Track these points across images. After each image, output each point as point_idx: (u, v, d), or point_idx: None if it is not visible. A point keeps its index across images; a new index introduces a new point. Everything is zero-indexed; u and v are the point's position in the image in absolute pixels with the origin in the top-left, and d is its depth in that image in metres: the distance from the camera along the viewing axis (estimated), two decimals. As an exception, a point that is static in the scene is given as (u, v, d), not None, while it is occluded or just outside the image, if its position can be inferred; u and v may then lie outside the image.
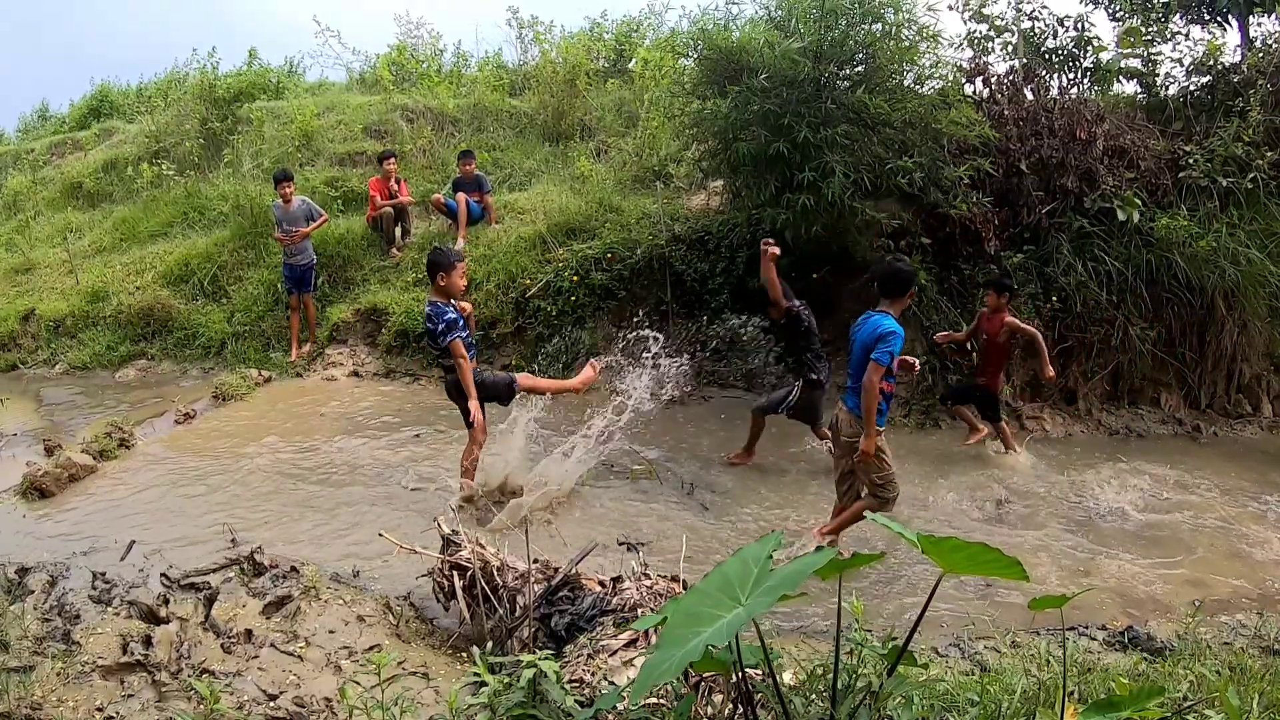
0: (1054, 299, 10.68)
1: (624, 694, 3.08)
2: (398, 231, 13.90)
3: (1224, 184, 10.98)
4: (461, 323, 7.60)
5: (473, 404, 7.62)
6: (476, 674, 3.21)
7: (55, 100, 25.27)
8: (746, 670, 2.67)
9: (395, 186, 13.88)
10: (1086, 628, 6.04)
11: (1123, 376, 11.05)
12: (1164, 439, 10.71)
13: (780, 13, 10.61)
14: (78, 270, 15.12)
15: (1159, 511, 8.49)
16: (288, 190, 12.51)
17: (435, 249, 7.87)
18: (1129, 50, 12.39)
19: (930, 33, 10.63)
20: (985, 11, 12.76)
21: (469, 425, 7.73)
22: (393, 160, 13.95)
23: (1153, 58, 12.52)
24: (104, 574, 6.24)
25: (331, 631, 5.38)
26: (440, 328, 7.40)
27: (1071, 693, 3.95)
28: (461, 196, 13.42)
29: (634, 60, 18.38)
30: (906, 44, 10.43)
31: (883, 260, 8.01)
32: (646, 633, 4.12)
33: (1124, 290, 10.77)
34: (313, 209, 12.79)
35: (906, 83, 10.76)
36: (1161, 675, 4.51)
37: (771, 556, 2.41)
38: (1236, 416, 11.24)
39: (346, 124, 17.68)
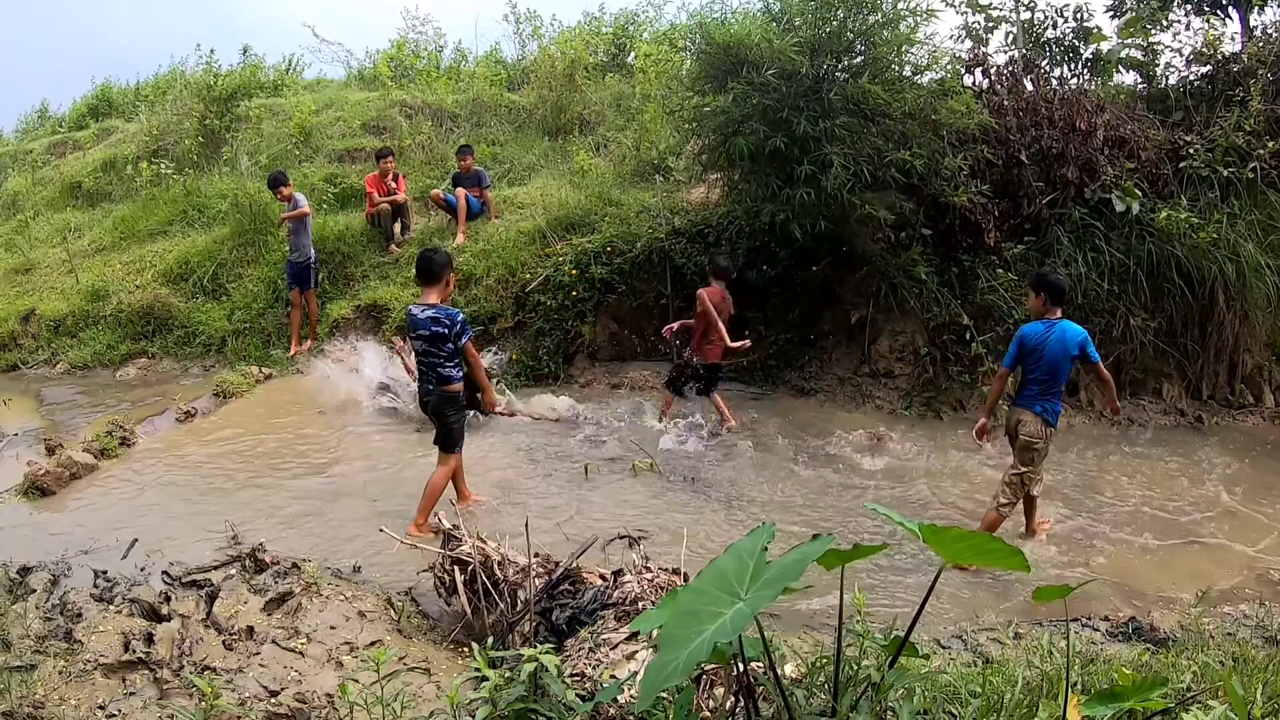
0: (1055, 290, 10.66)
1: (624, 687, 3.08)
2: (397, 228, 13.90)
3: (1225, 174, 10.96)
4: None
5: (490, 395, 7.61)
6: (478, 669, 3.21)
7: (55, 100, 25.24)
8: (749, 663, 2.66)
9: (393, 183, 13.87)
10: (1089, 619, 6.03)
11: (1124, 367, 11.03)
12: (1166, 429, 10.70)
13: (777, 5, 10.58)
14: (77, 269, 15.11)
15: (1160, 502, 8.48)
16: (283, 193, 12.78)
17: (434, 249, 7.58)
18: (1129, 40, 12.36)
19: (926, 11, 10.57)
20: (983, 2, 12.75)
21: (450, 445, 7.44)
22: (389, 159, 13.94)
23: (1153, 48, 12.50)
24: (105, 572, 6.23)
25: (333, 627, 5.37)
26: (455, 329, 7.10)
27: (1075, 684, 3.94)
28: (461, 192, 13.41)
29: (633, 55, 18.37)
30: (904, 30, 10.38)
31: (1040, 272, 8.21)
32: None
33: (1125, 281, 10.76)
34: (296, 204, 12.76)
35: (905, 74, 10.73)
36: (1165, 666, 4.50)
37: (766, 549, 2.40)
38: (1238, 407, 11.23)
39: (345, 120, 17.67)
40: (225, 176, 16.33)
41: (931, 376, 10.79)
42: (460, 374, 7.31)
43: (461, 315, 7.20)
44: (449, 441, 7.42)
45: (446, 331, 7.07)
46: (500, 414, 8.83)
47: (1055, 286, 7.24)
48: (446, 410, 7.33)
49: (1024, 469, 7.21)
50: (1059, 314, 7.19)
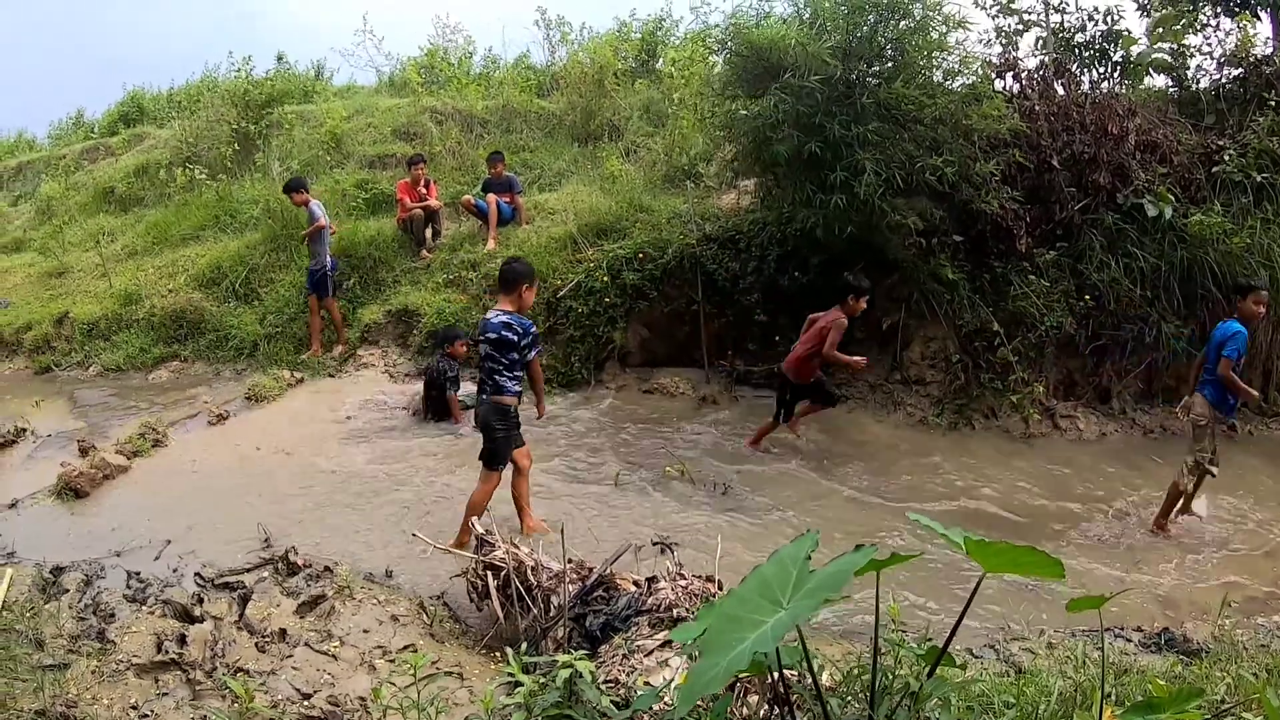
0: (1087, 297, 10.58)
1: (660, 694, 3.07)
2: (428, 233, 13.95)
3: (1258, 179, 10.85)
4: None
5: (542, 407, 7.70)
6: (511, 674, 3.21)
7: (90, 108, 25.54)
8: (784, 671, 2.66)
9: (424, 190, 13.94)
10: (1122, 629, 5.99)
11: (1156, 375, 10.95)
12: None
13: (809, 11, 10.56)
14: (110, 273, 15.27)
15: (1195, 512, 8.42)
16: (296, 199, 12.96)
17: (517, 259, 7.52)
18: (1158, 42, 12.26)
19: (957, 20, 10.54)
20: (1014, 6, 12.69)
21: (491, 462, 7.30)
22: (421, 165, 14.01)
23: (1183, 50, 12.40)
24: (138, 573, 6.30)
25: (365, 631, 5.40)
26: (526, 339, 7.01)
27: (1108, 695, 3.91)
28: (492, 198, 13.47)
29: (662, 60, 18.38)
30: (935, 36, 10.35)
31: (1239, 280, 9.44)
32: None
33: (1157, 287, 10.66)
34: (312, 215, 12.76)
35: (936, 79, 10.69)
36: (1199, 677, 4.45)
37: (810, 557, 2.39)
38: (1273, 415, 11.09)
39: (376, 126, 17.79)
40: (257, 182, 16.46)
41: (963, 384, 10.72)
42: (516, 389, 7.21)
43: (534, 327, 7.14)
44: (491, 458, 7.29)
45: (516, 339, 6.97)
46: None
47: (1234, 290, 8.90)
48: (494, 422, 7.20)
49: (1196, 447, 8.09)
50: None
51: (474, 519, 6.50)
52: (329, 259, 12.76)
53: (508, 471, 7.32)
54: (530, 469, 7.59)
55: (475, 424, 7.68)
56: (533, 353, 7.11)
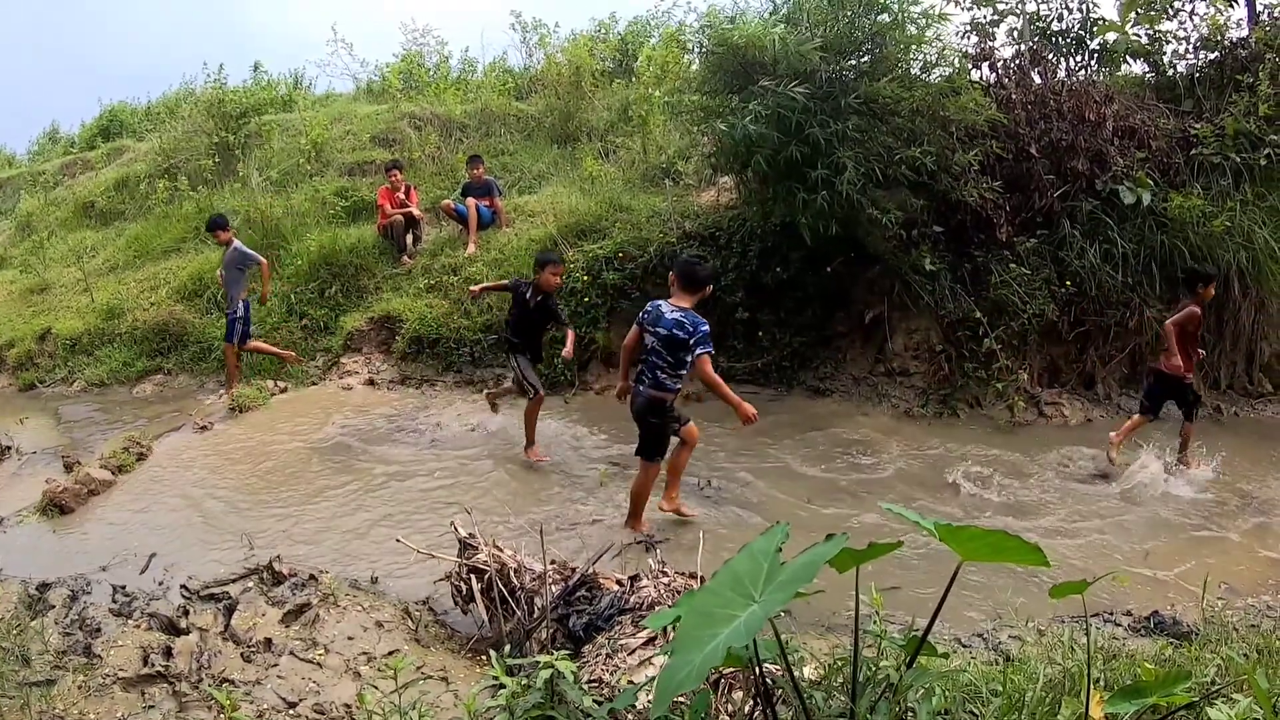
0: (1068, 283, 10.62)
1: (641, 693, 3.06)
2: (409, 239, 13.92)
3: (1236, 161, 10.89)
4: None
5: (742, 410, 7.11)
6: (495, 677, 3.19)
7: (66, 122, 25.51)
8: (765, 666, 2.64)
9: (404, 196, 13.92)
10: (1111, 614, 5.99)
11: (1140, 359, 10.96)
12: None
13: (788, 6, 10.56)
14: (92, 288, 15.23)
15: (1182, 493, 8.43)
16: (221, 237, 12.12)
17: (699, 260, 7.35)
18: (1131, 22, 12.27)
19: (935, 15, 10.57)
20: (990, -2, 12.72)
21: (648, 453, 7.29)
22: (396, 172, 13.99)
23: (1159, 35, 12.42)
24: (124, 587, 6.26)
25: (350, 638, 5.37)
26: (695, 336, 6.83)
27: (1097, 680, 3.91)
28: (471, 201, 13.45)
29: (639, 60, 18.38)
30: (913, 31, 10.38)
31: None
32: (665, 630, 4.09)
33: (1138, 272, 10.70)
34: (239, 259, 11.95)
35: (914, 71, 10.70)
36: (1188, 660, 4.45)
37: (780, 550, 2.38)
38: (1257, 396, 11.15)
39: (355, 134, 17.76)
40: (237, 193, 16.40)
41: (947, 374, 10.73)
42: (676, 386, 7.15)
43: (706, 326, 6.94)
44: (647, 449, 7.30)
45: (686, 338, 6.88)
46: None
47: None
48: (649, 415, 7.18)
49: None
50: None
51: (455, 521, 6.46)
52: (242, 303, 12.00)
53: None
54: (695, 445, 7.62)
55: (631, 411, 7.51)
56: (699, 350, 6.86)
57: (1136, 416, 9.31)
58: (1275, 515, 8.00)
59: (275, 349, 12.48)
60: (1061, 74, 12.30)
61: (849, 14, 10.11)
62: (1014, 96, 11.24)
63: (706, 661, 2.08)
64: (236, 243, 12.14)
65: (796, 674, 3.14)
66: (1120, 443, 9.01)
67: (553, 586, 5.14)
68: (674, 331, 6.89)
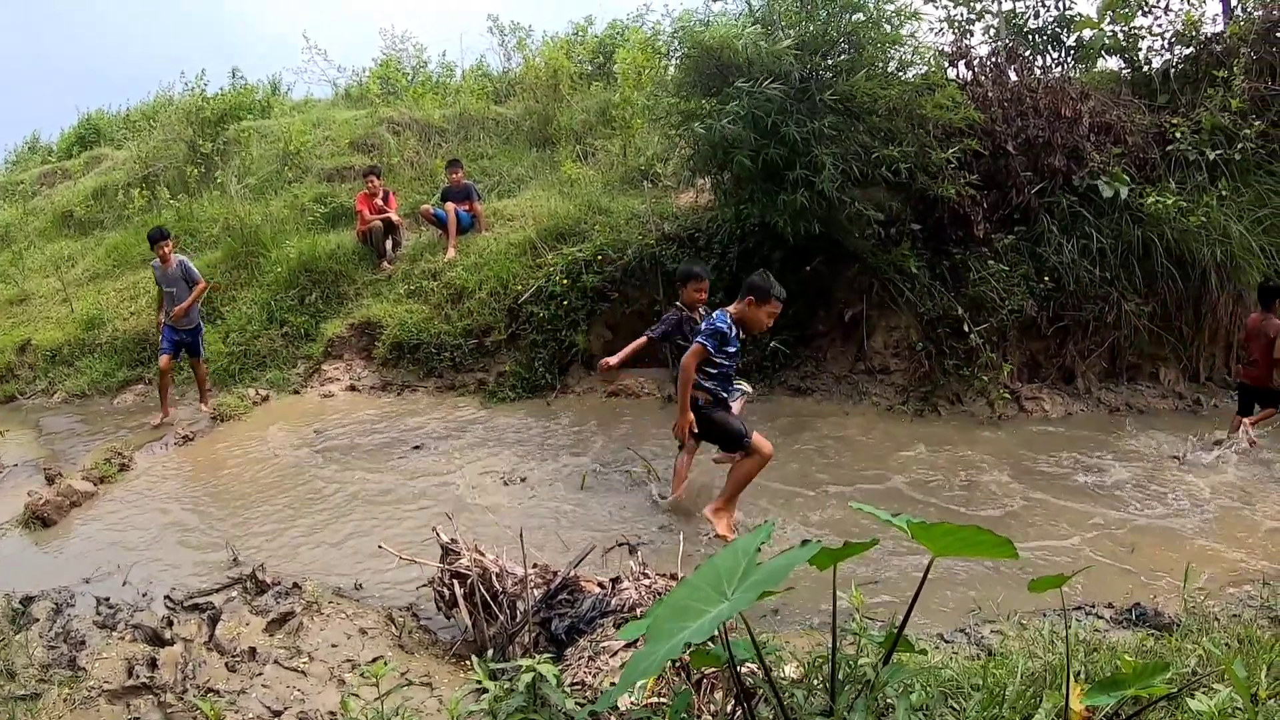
0: (1046, 279, 10.67)
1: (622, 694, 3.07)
2: (388, 245, 13.92)
3: (1212, 156, 10.97)
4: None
5: (682, 420, 7.15)
6: (478, 681, 3.21)
7: (45, 130, 25.43)
8: (744, 665, 2.66)
9: (383, 201, 13.90)
10: (1093, 606, 6.01)
11: (1120, 353, 11.05)
12: (1165, 414, 10.70)
13: (762, 8, 10.60)
14: (72, 298, 15.18)
15: (1163, 485, 8.48)
16: (165, 249, 11.52)
17: (761, 274, 7.05)
18: (1108, 19, 12.35)
19: (910, 12, 10.63)
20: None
21: (732, 444, 7.33)
22: (374, 178, 13.98)
23: (1134, 31, 12.50)
24: (108, 599, 6.24)
25: (334, 645, 5.37)
26: (701, 329, 7.06)
27: (1078, 673, 3.94)
28: (450, 206, 13.46)
29: (618, 63, 18.43)
30: (889, 30, 10.42)
31: None
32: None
33: (1116, 267, 10.76)
34: (190, 271, 11.55)
35: (890, 69, 10.75)
36: (1169, 651, 4.48)
37: (759, 549, 2.40)
38: (1236, 388, 11.22)
39: (334, 139, 17.73)
40: (216, 200, 16.36)
41: (927, 371, 10.77)
42: (706, 384, 7.15)
43: (724, 326, 6.93)
44: (725, 443, 7.41)
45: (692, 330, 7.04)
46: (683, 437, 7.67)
47: None
48: (697, 418, 7.20)
49: None
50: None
51: (437, 527, 6.43)
52: (197, 318, 11.85)
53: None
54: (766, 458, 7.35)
55: None
56: (696, 339, 6.96)
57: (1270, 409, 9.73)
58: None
59: (168, 389, 11.80)
60: (1037, 71, 12.36)
61: (823, 14, 10.14)
62: (990, 94, 11.30)
63: (669, 653, 2.11)
64: (182, 257, 11.75)
65: (777, 673, 3.16)
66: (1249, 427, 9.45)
67: (535, 590, 5.14)
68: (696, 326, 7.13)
